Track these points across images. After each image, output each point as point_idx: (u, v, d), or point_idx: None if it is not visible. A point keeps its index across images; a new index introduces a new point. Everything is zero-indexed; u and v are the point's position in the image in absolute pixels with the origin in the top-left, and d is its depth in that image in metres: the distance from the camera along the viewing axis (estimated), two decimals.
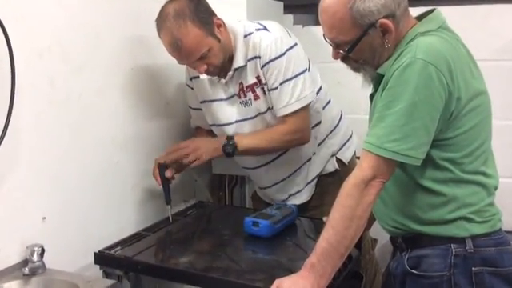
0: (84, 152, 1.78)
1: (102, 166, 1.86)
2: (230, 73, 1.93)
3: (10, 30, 1.42)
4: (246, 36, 1.91)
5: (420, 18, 1.47)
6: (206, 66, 1.85)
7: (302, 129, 1.95)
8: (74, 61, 1.72)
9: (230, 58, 1.92)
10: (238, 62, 1.91)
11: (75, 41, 1.72)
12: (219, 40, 1.85)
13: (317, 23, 2.70)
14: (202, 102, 2.08)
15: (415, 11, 1.49)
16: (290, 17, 2.73)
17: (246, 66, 1.91)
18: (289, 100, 1.89)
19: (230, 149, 1.91)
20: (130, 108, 1.99)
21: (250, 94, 1.95)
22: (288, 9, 2.70)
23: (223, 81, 1.96)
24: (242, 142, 1.93)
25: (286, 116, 1.91)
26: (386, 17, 1.37)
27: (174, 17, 1.77)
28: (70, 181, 1.73)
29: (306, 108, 1.93)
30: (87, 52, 1.77)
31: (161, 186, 1.96)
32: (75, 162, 1.75)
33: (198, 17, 1.79)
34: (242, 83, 1.95)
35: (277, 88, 1.89)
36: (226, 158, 1.96)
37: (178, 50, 1.80)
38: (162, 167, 1.95)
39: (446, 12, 1.50)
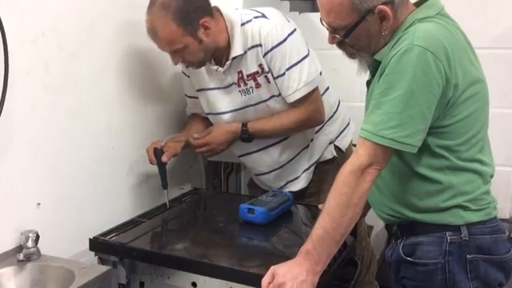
0: (79, 138, 1.77)
1: (97, 152, 1.85)
2: (228, 62, 1.92)
3: (2, 14, 1.40)
4: (243, 24, 1.89)
5: (418, 4, 1.46)
6: (180, 59, 1.87)
7: (313, 111, 1.97)
8: (69, 46, 1.70)
9: (228, 47, 1.90)
10: (236, 50, 1.89)
11: (70, 26, 1.70)
12: (201, 41, 1.83)
13: (313, 10, 2.72)
14: (198, 91, 2.07)
15: None
16: (287, 3, 2.72)
17: (245, 54, 1.90)
18: (297, 85, 1.88)
19: (247, 137, 1.99)
20: (125, 94, 1.98)
21: (251, 83, 1.94)
22: None
23: (221, 70, 1.94)
24: (256, 130, 1.98)
25: (297, 101, 1.91)
26: (384, 3, 1.36)
27: (159, 6, 1.78)
28: (65, 167, 1.72)
29: (315, 91, 1.93)
30: (82, 38, 1.75)
31: (154, 164, 1.96)
32: (70, 148, 1.74)
33: (181, 14, 1.77)
34: (241, 72, 1.94)
35: (284, 74, 1.88)
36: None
37: (153, 37, 1.83)
38: (158, 152, 1.95)
39: (443, 0, 1.49)
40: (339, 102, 2.19)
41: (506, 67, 2.34)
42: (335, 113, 2.15)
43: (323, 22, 1.46)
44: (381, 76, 1.36)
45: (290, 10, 2.71)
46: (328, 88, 2.11)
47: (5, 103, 1.42)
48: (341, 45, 1.49)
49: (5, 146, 1.52)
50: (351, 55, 1.51)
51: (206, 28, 1.84)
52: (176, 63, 1.89)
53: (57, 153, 1.69)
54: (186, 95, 2.16)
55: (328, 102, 2.09)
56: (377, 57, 1.44)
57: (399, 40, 1.36)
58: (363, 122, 1.39)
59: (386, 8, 1.37)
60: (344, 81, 2.41)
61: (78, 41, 1.74)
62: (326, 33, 1.49)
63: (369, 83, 1.53)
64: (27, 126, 1.58)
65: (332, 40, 1.49)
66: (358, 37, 1.43)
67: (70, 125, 1.73)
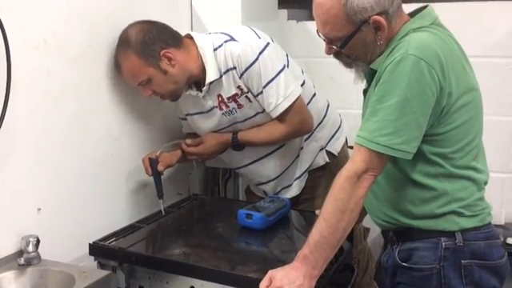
0: (79, 144, 1.79)
1: (97, 157, 1.87)
2: (205, 88, 1.94)
3: (5, 21, 1.42)
4: (215, 49, 1.91)
5: (413, 14, 1.49)
6: (150, 92, 1.91)
7: (299, 123, 1.98)
8: (70, 53, 1.72)
9: (204, 73, 1.92)
10: (211, 76, 1.91)
11: (71, 33, 1.72)
12: (165, 72, 1.87)
13: (311, 18, 2.72)
14: (186, 115, 2.11)
15: (408, 8, 1.50)
16: (285, 12, 2.74)
17: (220, 78, 1.92)
18: (276, 100, 1.90)
19: (237, 147, 2.04)
20: (125, 100, 1.99)
21: (232, 104, 1.97)
22: (282, 4, 2.71)
23: (200, 95, 1.97)
24: (246, 141, 2.02)
25: (280, 115, 1.93)
26: (379, 14, 1.39)
27: (123, 41, 1.85)
28: (66, 172, 1.74)
29: (297, 101, 1.94)
30: (83, 44, 1.78)
31: (151, 176, 1.98)
32: (71, 154, 1.75)
33: (141, 47, 1.83)
34: (221, 95, 1.96)
35: (262, 92, 1.90)
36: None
37: (119, 71, 1.88)
38: (153, 162, 1.96)
39: (438, 9, 1.51)
40: (328, 106, 2.20)
41: (501, 75, 2.36)
42: (324, 118, 2.16)
43: (320, 34, 1.49)
44: (377, 84, 1.39)
45: (288, 19, 2.73)
46: (315, 94, 2.12)
47: (7, 109, 1.44)
48: (337, 55, 1.52)
49: (6, 152, 1.54)
50: (347, 65, 1.54)
51: (170, 59, 1.87)
52: (147, 96, 1.92)
53: (57, 158, 1.70)
54: (179, 117, 2.19)
55: (316, 108, 2.10)
56: (373, 66, 1.46)
57: (394, 49, 1.38)
58: (359, 129, 1.41)
59: (381, 18, 1.40)
60: (341, 88, 2.43)
61: (79, 47, 1.76)
62: (323, 41, 1.52)
63: (365, 92, 1.56)
64: (28, 132, 1.60)
65: (329, 50, 1.51)
66: (354, 47, 1.45)
67: (70, 130, 1.75)
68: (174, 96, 1.97)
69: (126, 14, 1.94)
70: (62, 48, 1.69)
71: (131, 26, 1.87)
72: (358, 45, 1.44)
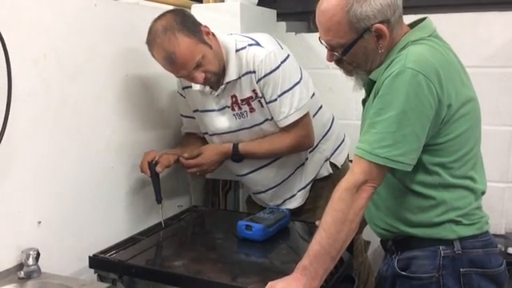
0: (79, 157, 1.80)
1: (97, 171, 1.88)
2: (222, 86, 1.95)
3: (6, 36, 1.44)
4: (238, 50, 1.93)
5: (412, 25, 1.50)
6: (203, 74, 1.86)
7: (304, 136, 2.00)
8: (70, 68, 1.74)
9: (223, 71, 1.93)
10: (230, 75, 1.92)
11: (71, 48, 1.74)
12: (211, 46, 1.87)
13: (309, 31, 2.77)
14: (194, 111, 2.11)
15: (407, 19, 1.52)
16: (283, 24, 2.76)
17: (239, 79, 1.93)
18: (288, 111, 1.92)
19: (237, 158, 2.04)
20: (125, 114, 2.01)
21: (245, 107, 1.97)
22: (281, 16, 2.73)
23: (215, 93, 1.98)
24: (247, 153, 2.03)
25: (288, 126, 1.95)
26: (381, 22, 1.41)
27: (163, 32, 1.80)
28: (66, 185, 1.75)
29: (306, 116, 1.96)
30: (82, 59, 1.79)
31: (148, 176, 1.98)
32: (71, 167, 1.76)
33: (185, 27, 1.82)
34: (235, 96, 1.97)
35: (275, 100, 1.92)
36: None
37: (173, 62, 1.82)
38: (152, 165, 1.97)
39: (436, 20, 1.53)
40: (333, 119, 2.22)
41: (498, 85, 2.37)
42: (329, 131, 2.18)
43: (322, 41, 1.50)
44: (375, 96, 1.40)
45: (287, 31, 2.75)
46: (321, 107, 2.14)
47: (7, 123, 1.44)
48: (339, 62, 1.53)
49: (6, 165, 1.55)
50: (348, 72, 1.54)
51: (208, 33, 1.88)
52: (201, 80, 1.87)
53: (57, 172, 1.71)
54: (181, 115, 2.20)
55: (321, 120, 2.12)
56: (372, 76, 1.48)
57: (393, 62, 1.39)
58: (359, 141, 1.42)
59: (383, 27, 1.41)
60: (340, 99, 2.45)
61: (78, 62, 1.77)
62: (321, 53, 1.53)
63: (364, 102, 1.57)
64: (28, 145, 1.61)
65: (330, 57, 1.52)
66: (356, 54, 1.47)
67: (70, 144, 1.76)
68: (218, 77, 1.93)
69: (125, 30, 1.96)
70: (62, 62, 1.71)
71: (159, 18, 1.83)
72: (359, 52, 1.46)
